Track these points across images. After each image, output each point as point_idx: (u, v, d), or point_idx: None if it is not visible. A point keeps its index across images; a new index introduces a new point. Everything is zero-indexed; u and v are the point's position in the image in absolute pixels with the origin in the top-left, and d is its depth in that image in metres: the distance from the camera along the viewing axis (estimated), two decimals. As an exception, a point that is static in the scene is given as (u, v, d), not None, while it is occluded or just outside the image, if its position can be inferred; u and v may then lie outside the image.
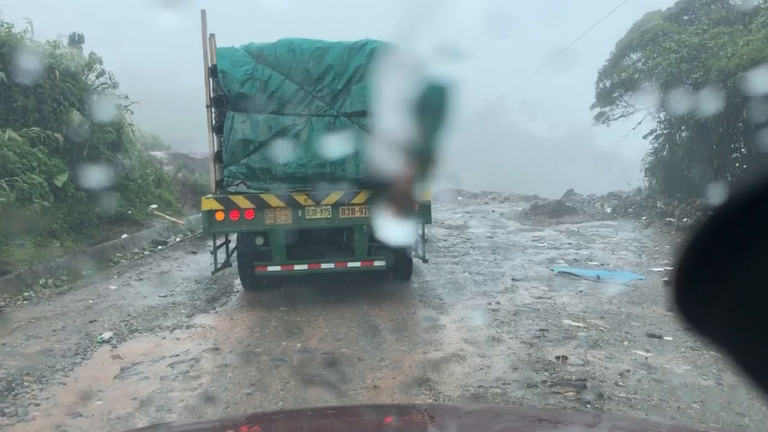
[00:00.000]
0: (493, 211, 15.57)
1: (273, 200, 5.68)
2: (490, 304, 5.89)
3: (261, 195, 5.70)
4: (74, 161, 9.66)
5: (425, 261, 6.50)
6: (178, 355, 4.41)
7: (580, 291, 6.51)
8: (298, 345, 4.55)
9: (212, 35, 6.00)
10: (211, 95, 6.02)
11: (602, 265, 8.05)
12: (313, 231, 5.95)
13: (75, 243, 8.67)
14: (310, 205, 5.71)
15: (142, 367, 4.21)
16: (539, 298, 6.21)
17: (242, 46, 6.04)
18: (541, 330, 4.89)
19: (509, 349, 4.33)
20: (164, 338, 5.03)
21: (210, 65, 5.89)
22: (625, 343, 4.45)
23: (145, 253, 9.82)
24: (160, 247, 10.27)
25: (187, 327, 5.32)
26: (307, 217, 5.74)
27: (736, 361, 0.60)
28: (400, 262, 6.34)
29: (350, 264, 5.92)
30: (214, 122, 6.00)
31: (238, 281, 6.86)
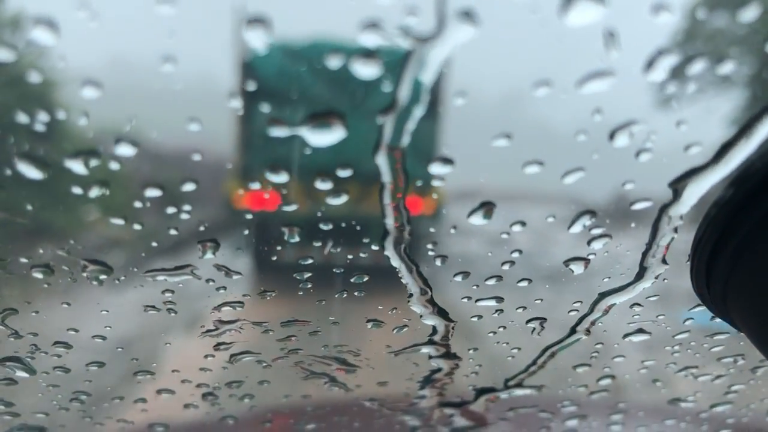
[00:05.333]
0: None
1: (295, 188, 5.52)
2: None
3: (284, 182, 5.54)
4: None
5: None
6: None
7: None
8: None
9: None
10: (241, 87, 6.05)
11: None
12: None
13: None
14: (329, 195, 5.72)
15: None
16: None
17: (275, 43, 6.02)
18: None
19: None
20: None
21: (242, 55, 5.99)
22: None
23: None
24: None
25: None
26: (326, 206, 5.67)
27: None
28: None
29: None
30: (240, 113, 6.01)
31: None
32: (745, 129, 0.57)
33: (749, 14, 0.58)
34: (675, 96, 0.68)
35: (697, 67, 0.63)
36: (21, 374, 1.04)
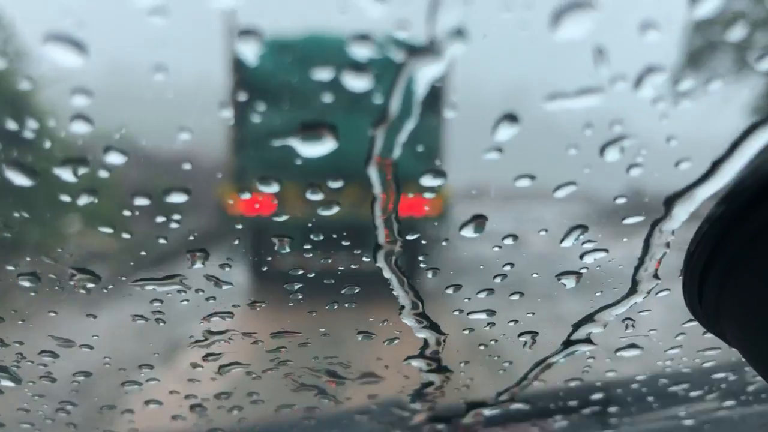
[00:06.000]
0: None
1: (290, 192, 5.41)
2: None
3: (278, 186, 5.39)
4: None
5: None
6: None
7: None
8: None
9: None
10: (232, 85, 5.88)
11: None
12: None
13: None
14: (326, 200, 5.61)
15: None
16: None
17: (268, 40, 5.97)
18: None
19: None
20: None
21: (233, 55, 5.82)
22: None
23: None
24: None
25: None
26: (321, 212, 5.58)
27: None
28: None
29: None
30: (233, 114, 5.84)
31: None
32: (735, 145, 0.57)
33: (737, 33, 0.58)
34: (665, 112, 0.68)
35: (687, 84, 0.63)
36: (6, 384, 1.03)
